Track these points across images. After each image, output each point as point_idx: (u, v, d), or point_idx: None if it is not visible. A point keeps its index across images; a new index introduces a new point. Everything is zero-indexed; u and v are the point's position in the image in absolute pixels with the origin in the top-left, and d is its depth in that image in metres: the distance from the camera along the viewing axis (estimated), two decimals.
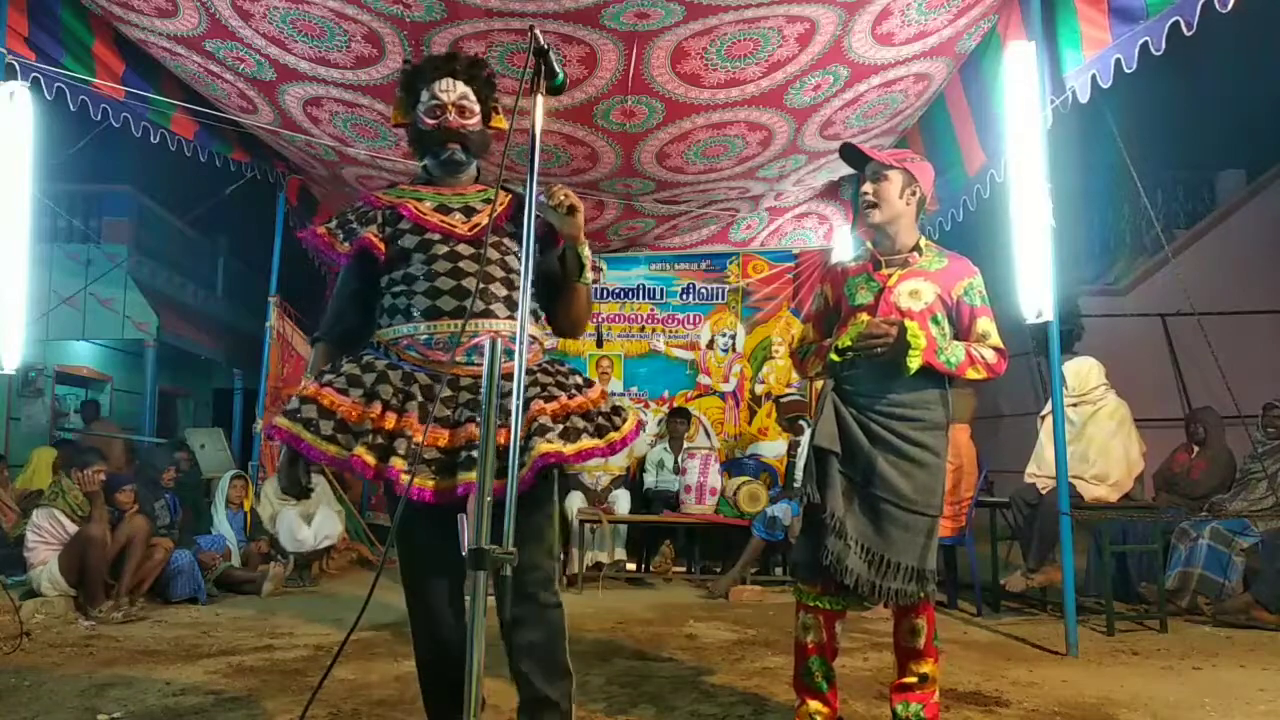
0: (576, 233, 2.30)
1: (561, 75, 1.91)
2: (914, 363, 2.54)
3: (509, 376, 2.22)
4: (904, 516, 2.57)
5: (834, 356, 2.70)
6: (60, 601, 4.73)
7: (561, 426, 2.18)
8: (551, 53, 1.86)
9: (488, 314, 2.24)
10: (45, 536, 4.87)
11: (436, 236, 2.29)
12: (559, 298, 2.43)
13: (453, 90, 2.34)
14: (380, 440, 2.10)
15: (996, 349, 2.66)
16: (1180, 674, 3.73)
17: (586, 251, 2.36)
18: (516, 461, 1.72)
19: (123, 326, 11.65)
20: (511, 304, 2.28)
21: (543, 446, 2.11)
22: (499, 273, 2.30)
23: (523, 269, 1.80)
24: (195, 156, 6.02)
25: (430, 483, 2.08)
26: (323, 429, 2.11)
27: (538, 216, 2.29)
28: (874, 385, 2.63)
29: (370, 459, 2.07)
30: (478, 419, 2.07)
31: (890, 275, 2.69)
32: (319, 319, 2.54)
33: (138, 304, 11.62)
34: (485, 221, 2.32)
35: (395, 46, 4.60)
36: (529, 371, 2.27)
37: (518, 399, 1.75)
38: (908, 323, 2.56)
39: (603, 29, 4.41)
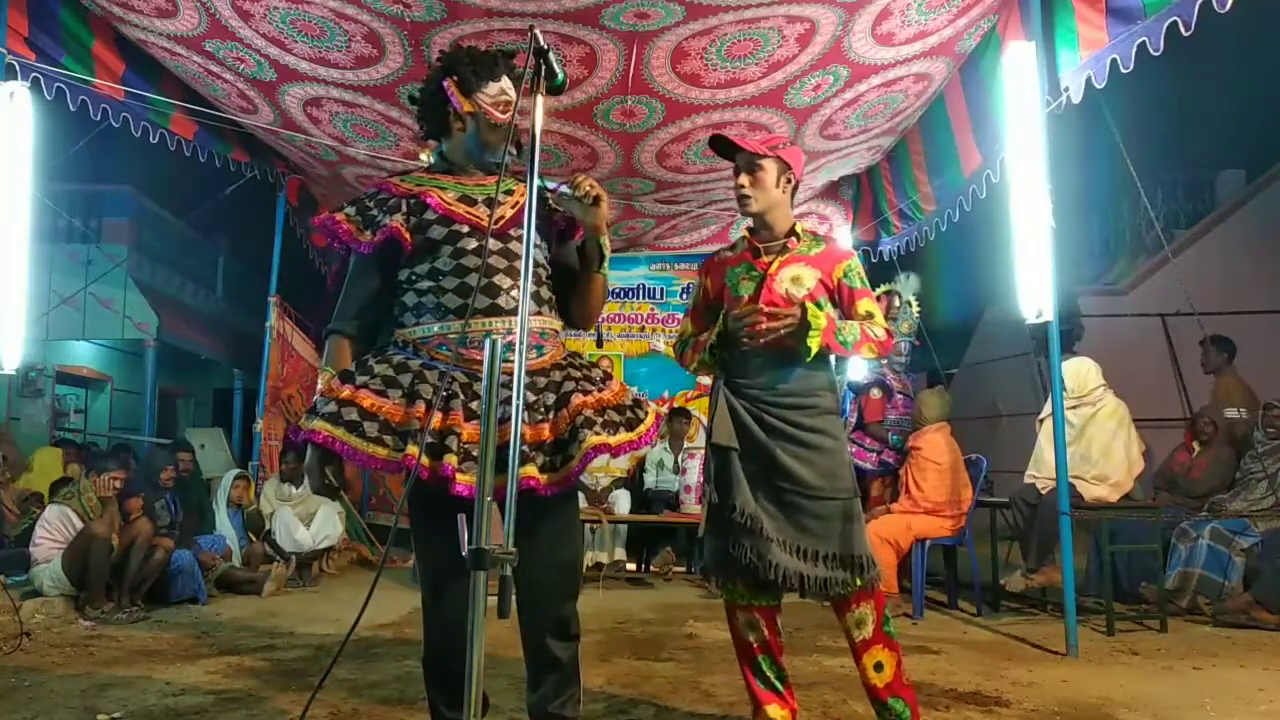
0: (600, 223, 2.30)
1: (561, 75, 1.90)
2: (814, 343, 2.52)
3: (542, 372, 2.24)
4: (813, 505, 2.54)
5: (712, 352, 2.67)
6: (60, 601, 4.74)
7: (601, 419, 2.20)
8: (551, 53, 1.86)
9: (516, 311, 2.19)
10: (53, 534, 4.88)
11: (465, 229, 2.23)
12: (574, 288, 2.42)
13: (510, 90, 2.32)
14: (430, 439, 2.06)
15: (884, 328, 2.67)
16: (1180, 674, 3.73)
17: (607, 241, 2.36)
18: (516, 460, 1.72)
19: (123, 326, 11.65)
20: (540, 299, 2.29)
21: (593, 439, 2.14)
22: (521, 266, 2.29)
23: (523, 268, 1.79)
24: (195, 156, 6.02)
25: (467, 478, 2.04)
26: (368, 431, 2.07)
27: (561, 208, 2.34)
28: (764, 376, 2.60)
29: (426, 459, 2.03)
30: (522, 416, 1.99)
31: (771, 263, 2.67)
32: (319, 318, 2.55)
33: (138, 304, 11.61)
34: (509, 214, 2.28)
35: (395, 46, 4.60)
36: (559, 365, 2.28)
37: (518, 398, 1.74)
38: (809, 304, 2.55)
39: (603, 29, 4.41)
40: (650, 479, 6.81)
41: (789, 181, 2.70)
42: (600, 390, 2.28)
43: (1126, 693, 3.38)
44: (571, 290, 2.42)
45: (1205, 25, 3.56)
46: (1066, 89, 4.21)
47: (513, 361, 1.96)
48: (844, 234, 7.32)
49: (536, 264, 2.29)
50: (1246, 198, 10.97)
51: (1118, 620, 4.59)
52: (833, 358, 2.70)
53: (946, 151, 5.51)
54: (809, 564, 2.50)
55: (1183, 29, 3.62)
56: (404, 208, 2.25)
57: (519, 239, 2.25)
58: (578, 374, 2.29)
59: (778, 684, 2.69)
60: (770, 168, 2.66)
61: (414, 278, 2.24)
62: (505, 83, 2.34)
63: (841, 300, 2.67)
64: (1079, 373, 5.19)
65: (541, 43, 1.85)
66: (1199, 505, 5.51)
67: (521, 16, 4.32)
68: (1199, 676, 3.69)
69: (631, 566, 6.74)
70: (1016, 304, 4.29)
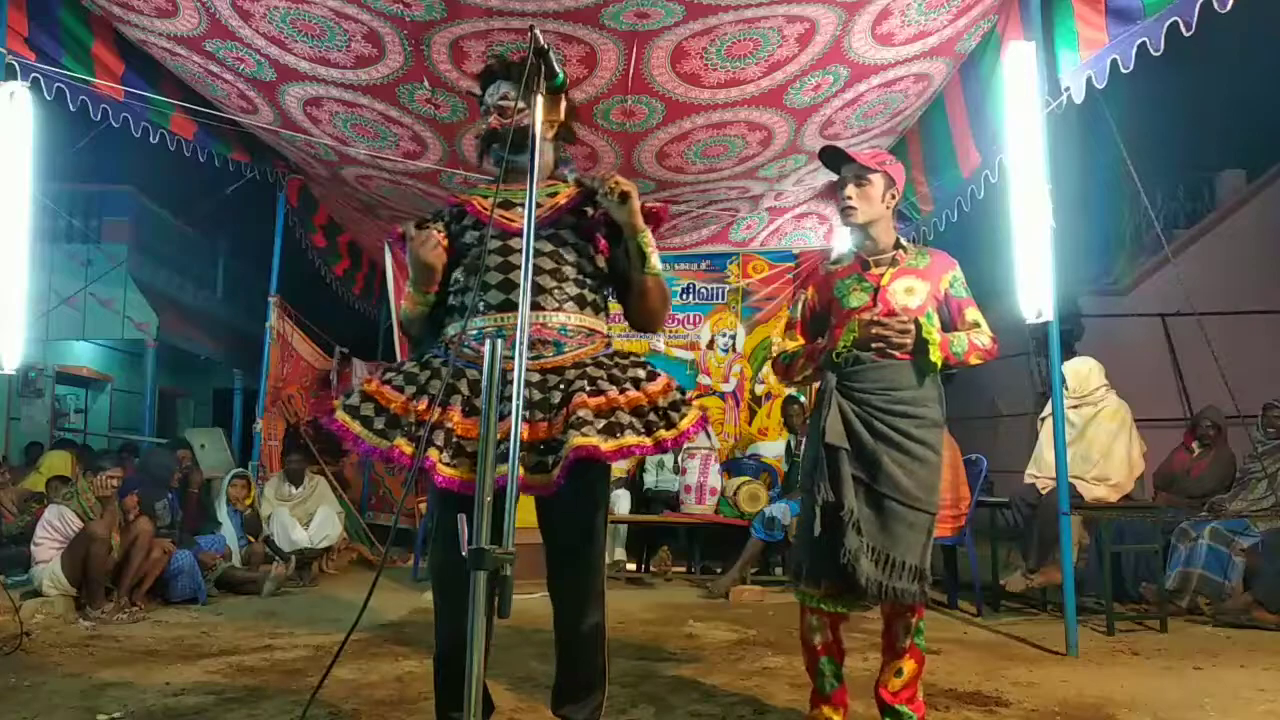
0: (634, 220, 2.27)
1: (561, 75, 1.91)
2: (936, 357, 2.59)
3: (556, 370, 2.24)
4: (908, 514, 2.57)
5: (836, 357, 2.68)
6: (60, 601, 4.74)
7: (604, 421, 2.15)
8: (551, 53, 1.87)
9: (536, 306, 2.24)
10: (53, 534, 4.88)
11: (494, 232, 2.30)
12: (629, 291, 2.41)
13: (496, 93, 2.38)
14: (420, 432, 2.14)
15: (990, 336, 2.72)
16: (1180, 674, 3.73)
17: (648, 239, 2.32)
18: (516, 458, 1.72)
19: (123, 326, 11.65)
20: (563, 296, 2.28)
21: (576, 440, 2.08)
22: (549, 265, 2.29)
23: (523, 267, 1.79)
24: (195, 156, 6.02)
25: (453, 472, 2.11)
26: (375, 424, 2.20)
27: (603, 210, 2.32)
28: (877, 384, 2.63)
29: (408, 448, 2.13)
30: (523, 414, 2.07)
31: (882, 274, 2.71)
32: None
33: (138, 304, 11.62)
34: (544, 214, 2.32)
35: (395, 46, 4.60)
36: (581, 365, 2.26)
37: (517, 398, 1.74)
38: (921, 320, 2.61)
39: (603, 29, 4.41)
40: (650, 479, 6.81)
41: (893, 196, 2.75)
42: (623, 391, 2.22)
43: (1126, 693, 3.38)
44: (627, 293, 2.42)
45: (1205, 25, 3.55)
46: (1068, 89, 4.21)
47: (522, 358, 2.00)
48: (844, 234, 7.32)
49: (560, 261, 2.30)
50: (1246, 198, 10.96)
51: (1118, 620, 4.60)
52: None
53: (946, 152, 5.50)
54: (890, 574, 2.55)
55: (1183, 29, 3.61)
56: (447, 216, 2.43)
57: (551, 236, 2.31)
58: (600, 373, 2.24)
59: (835, 685, 2.75)
60: (878, 182, 2.71)
61: (453, 281, 2.35)
62: (491, 87, 2.39)
63: (949, 310, 2.73)
64: (1081, 372, 5.19)
65: (541, 43, 1.85)
66: (1199, 505, 5.51)
67: (521, 16, 4.31)
68: (1199, 676, 3.69)
69: (631, 566, 6.74)
70: (1016, 304, 4.29)
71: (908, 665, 2.72)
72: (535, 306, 2.23)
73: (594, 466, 2.15)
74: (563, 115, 2.43)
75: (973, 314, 2.73)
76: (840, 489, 2.58)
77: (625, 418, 2.18)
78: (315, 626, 4.61)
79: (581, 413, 2.13)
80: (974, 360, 2.68)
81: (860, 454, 2.60)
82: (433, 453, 2.10)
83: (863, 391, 2.64)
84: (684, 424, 2.25)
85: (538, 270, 2.26)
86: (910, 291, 2.68)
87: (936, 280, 2.72)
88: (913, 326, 2.58)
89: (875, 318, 2.61)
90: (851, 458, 2.60)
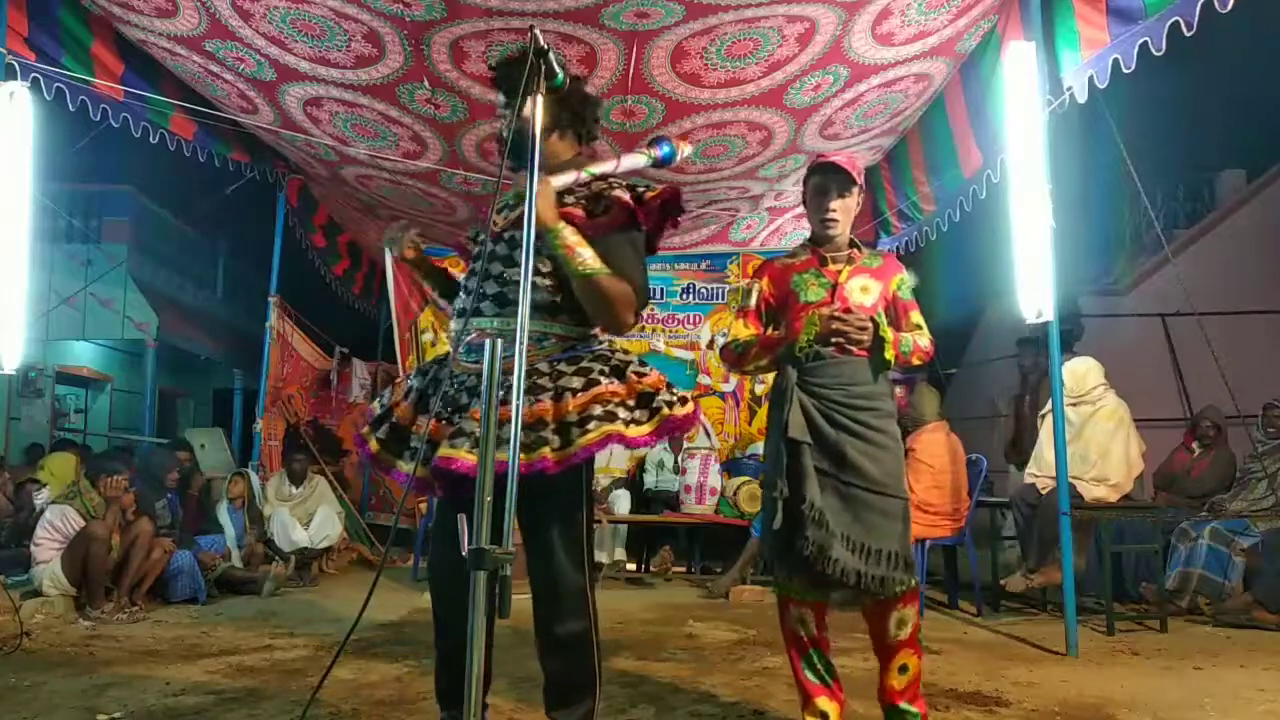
0: (542, 218, 2.09)
1: (561, 75, 1.91)
2: (890, 354, 2.67)
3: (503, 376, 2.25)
4: (879, 501, 2.60)
5: (798, 352, 2.70)
6: (60, 601, 4.74)
7: (543, 432, 2.10)
8: (551, 53, 1.86)
9: (477, 313, 2.27)
10: (55, 534, 4.88)
11: (482, 237, 2.38)
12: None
13: (497, 102, 2.43)
14: (393, 433, 2.32)
15: (929, 339, 2.81)
16: (1180, 674, 3.73)
17: (565, 238, 2.16)
18: (516, 456, 1.72)
19: (123, 326, 11.64)
20: (502, 301, 2.25)
21: (444, 450, 2.10)
22: (496, 269, 2.29)
23: (523, 266, 1.76)
24: (195, 156, 6.02)
25: (406, 465, 2.25)
26: (379, 432, 2.35)
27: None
28: (836, 379, 2.68)
29: (374, 442, 2.34)
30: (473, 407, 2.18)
31: (840, 272, 2.77)
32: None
33: (138, 304, 11.61)
34: (511, 218, 2.32)
35: (395, 46, 4.60)
36: (535, 370, 2.18)
37: (518, 398, 1.74)
38: (877, 317, 2.68)
39: (603, 29, 4.41)
40: (650, 479, 6.81)
41: (859, 204, 2.84)
42: (558, 398, 2.13)
43: (1126, 693, 3.38)
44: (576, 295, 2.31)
45: (1205, 25, 3.55)
46: (1070, 89, 4.21)
47: (476, 364, 2.16)
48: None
49: (510, 264, 2.29)
50: (1246, 198, 10.94)
51: (1118, 620, 4.60)
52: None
53: (946, 152, 5.50)
54: (869, 562, 2.56)
55: (1184, 29, 3.60)
56: (471, 230, 2.56)
57: (508, 242, 2.30)
58: (540, 378, 2.15)
59: (827, 677, 2.74)
60: (855, 193, 2.79)
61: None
62: (501, 96, 2.38)
63: (896, 311, 2.80)
64: (1078, 372, 5.19)
65: (541, 43, 1.85)
66: (1199, 505, 5.51)
67: (521, 16, 4.31)
68: (1199, 676, 3.69)
69: (631, 567, 6.74)
70: (1016, 304, 4.29)
71: (911, 660, 2.70)
72: (477, 313, 2.27)
73: (555, 474, 2.08)
74: (554, 115, 2.31)
75: (916, 317, 2.82)
76: (802, 483, 2.59)
77: (531, 434, 2.10)
78: (315, 626, 4.61)
79: (468, 425, 2.14)
80: (916, 360, 2.77)
81: (824, 447, 2.62)
82: (372, 443, 2.33)
83: (822, 386, 2.67)
84: (635, 431, 2.14)
85: (492, 276, 2.28)
86: (865, 290, 2.76)
87: (887, 281, 2.80)
88: (870, 324, 2.65)
89: (835, 313, 2.65)
90: (815, 451, 2.62)
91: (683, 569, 6.68)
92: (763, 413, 7.49)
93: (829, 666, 2.75)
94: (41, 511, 5.19)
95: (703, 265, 7.67)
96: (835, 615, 2.81)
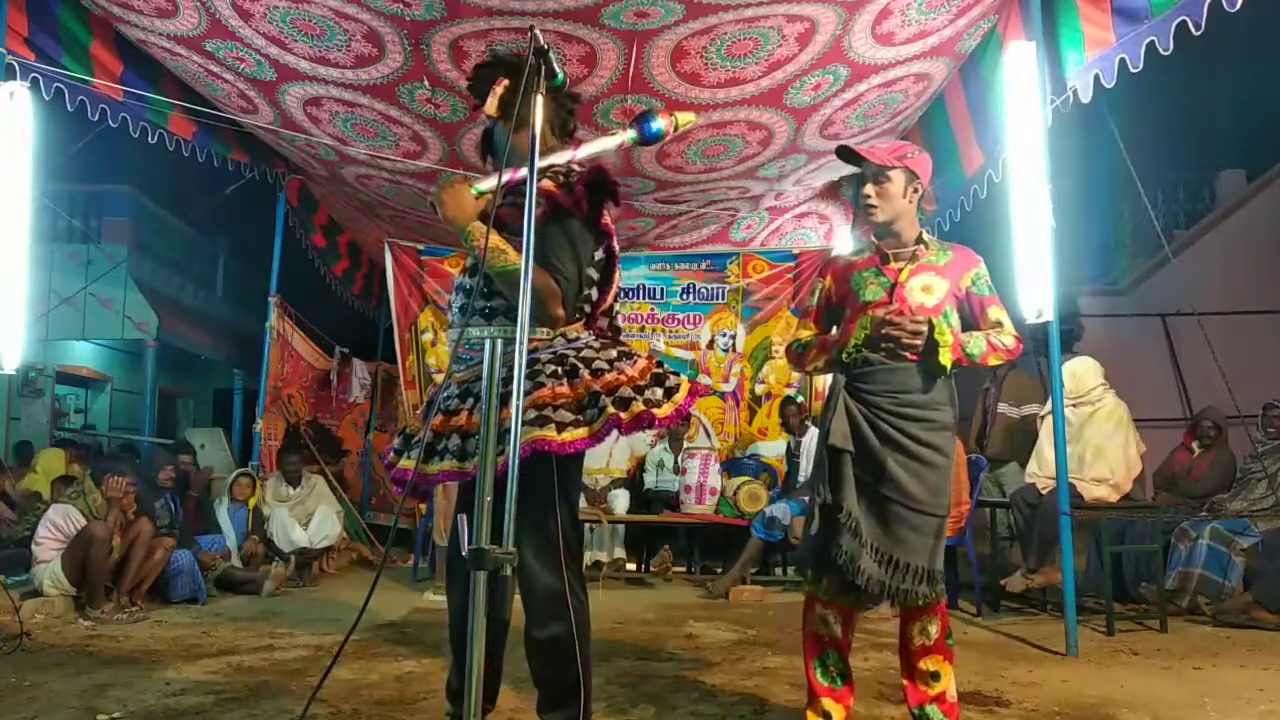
0: (452, 217, 2.10)
1: (561, 75, 1.91)
2: (946, 360, 2.54)
3: (469, 383, 2.26)
4: (913, 517, 2.56)
5: (845, 358, 2.66)
6: (60, 601, 4.73)
7: (444, 443, 2.17)
8: (551, 53, 1.86)
9: (451, 324, 2.32)
10: (55, 534, 4.88)
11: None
12: None
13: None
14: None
15: (1013, 335, 2.67)
16: (1180, 674, 3.73)
17: (476, 239, 2.10)
18: (517, 456, 1.72)
19: (123, 326, 11.64)
20: (480, 306, 2.25)
21: (404, 463, 2.24)
22: (461, 277, 2.35)
23: (523, 267, 1.75)
24: (195, 156, 6.02)
25: (407, 462, 2.26)
26: (395, 444, 2.39)
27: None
28: (885, 386, 2.60)
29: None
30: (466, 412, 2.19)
31: (900, 270, 2.68)
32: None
33: (138, 304, 11.61)
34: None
35: (395, 46, 4.60)
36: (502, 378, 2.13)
37: (518, 398, 1.74)
38: (935, 320, 2.57)
39: (602, 28, 4.41)
40: (650, 479, 6.81)
41: (916, 190, 2.70)
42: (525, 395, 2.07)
43: (1126, 693, 3.38)
44: None
45: (1206, 25, 3.54)
46: (1073, 88, 4.20)
47: (459, 372, 2.24)
48: (844, 234, 7.32)
49: (471, 272, 2.30)
50: (1246, 198, 10.95)
51: (1118, 620, 4.60)
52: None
53: (947, 151, 5.50)
54: (895, 575, 2.54)
55: (1192, 28, 3.57)
56: None
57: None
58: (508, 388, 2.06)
59: (838, 680, 2.71)
60: (897, 178, 2.67)
61: None
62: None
63: (971, 308, 2.68)
64: (1078, 372, 5.18)
65: (541, 43, 1.84)
66: (1199, 505, 5.51)
67: (521, 15, 4.31)
68: (1199, 676, 3.69)
69: (631, 566, 6.74)
70: (1017, 304, 4.29)
71: (942, 666, 2.67)
72: (472, 322, 2.26)
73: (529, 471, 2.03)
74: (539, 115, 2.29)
75: (996, 313, 2.67)
76: (840, 491, 2.56)
77: (451, 441, 2.17)
78: (315, 626, 4.61)
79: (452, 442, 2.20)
80: (993, 361, 2.63)
81: (866, 457, 2.58)
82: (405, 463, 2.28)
83: (871, 394, 2.61)
84: (568, 435, 2.07)
85: (462, 290, 2.32)
86: (928, 290, 2.64)
87: (957, 278, 2.67)
88: (925, 326, 2.54)
89: (888, 315, 2.57)
90: (856, 460, 2.58)
91: (683, 569, 6.67)
92: (762, 413, 7.50)
93: (844, 671, 2.73)
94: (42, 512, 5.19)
95: (703, 265, 7.66)
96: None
